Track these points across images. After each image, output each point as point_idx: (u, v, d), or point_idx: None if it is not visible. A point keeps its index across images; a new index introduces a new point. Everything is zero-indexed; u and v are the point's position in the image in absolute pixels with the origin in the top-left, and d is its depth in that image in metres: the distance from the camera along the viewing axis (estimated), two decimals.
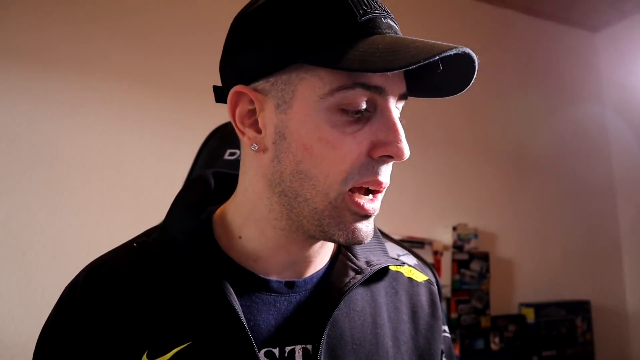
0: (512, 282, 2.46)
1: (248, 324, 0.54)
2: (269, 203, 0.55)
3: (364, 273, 0.60)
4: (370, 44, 0.48)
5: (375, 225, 0.69)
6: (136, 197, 1.72)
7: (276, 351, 0.55)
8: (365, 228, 0.54)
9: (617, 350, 2.63)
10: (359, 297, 0.60)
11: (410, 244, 2.05)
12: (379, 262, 0.62)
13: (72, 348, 0.54)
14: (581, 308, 2.50)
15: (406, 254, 0.72)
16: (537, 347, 2.31)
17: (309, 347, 0.56)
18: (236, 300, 0.53)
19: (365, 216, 0.53)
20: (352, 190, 0.52)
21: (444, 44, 0.47)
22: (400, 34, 0.53)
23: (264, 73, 0.52)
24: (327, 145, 0.50)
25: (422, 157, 2.29)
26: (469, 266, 2.25)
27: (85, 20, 1.75)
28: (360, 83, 0.49)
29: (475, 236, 2.31)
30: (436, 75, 0.53)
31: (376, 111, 0.51)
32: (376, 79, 0.49)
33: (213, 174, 0.67)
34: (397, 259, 0.67)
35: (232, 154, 0.99)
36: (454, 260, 2.22)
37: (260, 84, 0.52)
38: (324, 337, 0.55)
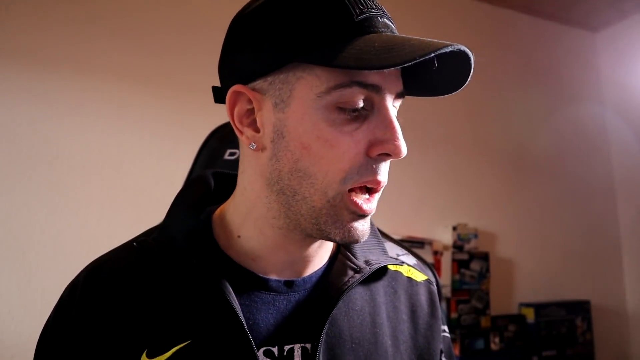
0: (512, 282, 2.46)
1: (247, 322, 0.54)
2: (268, 202, 0.55)
3: (362, 272, 0.60)
4: (367, 42, 0.48)
5: (375, 225, 0.69)
6: (136, 197, 1.72)
7: (275, 350, 0.55)
8: (362, 227, 0.54)
9: (617, 350, 2.63)
10: (358, 296, 0.60)
11: (410, 244, 2.05)
12: (378, 261, 0.62)
13: (72, 347, 0.54)
14: (581, 308, 2.50)
15: (405, 253, 0.72)
16: (537, 347, 2.31)
17: (308, 346, 0.56)
18: (235, 299, 0.54)
19: (363, 216, 0.53)
20: (350, 190, 0.52)
21: (440, 41, 0.47)
22: (397, 33, 0.53)
23: (261, 72, 0.52)
24: (325, 143, 0.50)
25: (422, 157, 2.29)
26: (469, 266, 2.25)
27: (85, 20, 1.75)
28: (357, 81, 0.49)
29: (475, 236, 2.31)
30: (433, 74, 0.54)
31: (373, 109, 0.52)
32: (373, 77, 0.50)
33: (213, 174, 0.68)
34: (396, 259, 0.67)
35: (232, 154, 0.99)
36: (454, 260, 2.22)
37: (258, 84, 0.53)
38: (323, 335, 0.55)
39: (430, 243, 2.17)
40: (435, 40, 0.48)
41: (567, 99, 2.76)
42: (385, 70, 0.49)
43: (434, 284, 0.71)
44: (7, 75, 1.63)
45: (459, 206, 2.37)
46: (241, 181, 0.59)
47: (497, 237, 2.46)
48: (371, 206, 0.53)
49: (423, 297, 0.67)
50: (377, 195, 0.55)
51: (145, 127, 1.79)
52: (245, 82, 0.54)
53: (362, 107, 0.51)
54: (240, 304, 0.54)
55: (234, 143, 0.98)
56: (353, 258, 0.62)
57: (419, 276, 0.69)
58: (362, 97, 0.50)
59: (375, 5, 0.52)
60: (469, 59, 0.50)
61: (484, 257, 2.31)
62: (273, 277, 0.58)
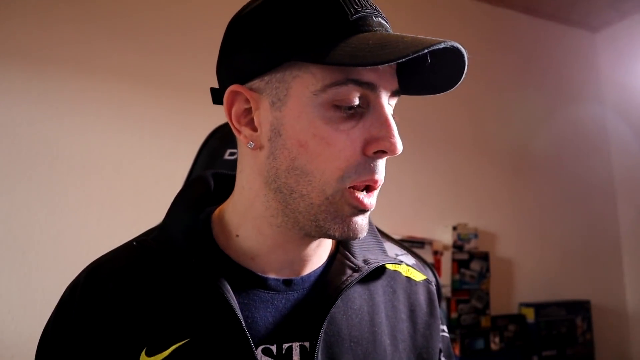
0: (512, 282, 2.46)
1: (246, 321, 0.54)
2: (266, 200, 0.56)
3: (361, 271, 0.60)
4: (361, 40, 0.49)
5: (374, 224, 0.69)
6: (136, 197, 1.73)
7: (274, 348, 0.55)
8: (361, 221, 0.55)
9: (617, 350, 2.63)
10: (356, 295, 0.61)
11: (410, 244, 2.05)
12: (376, 260, 0.63)
13: (73, 347, 0.54)
14: (581, 308, 2.50)
15: (404, 253, 0.72)
16: (537, 347, 2.31)
17: (307, 344, 0.56)
18: (233, 297, 0.54)
19: (363, 211, 0.54)
20: (351, 187, 0.53)
21: (434, 38, 0.48)
22: (392, 32, 0.54)
23: (258, 72, 0.53)
24: (321, 141, 0.51)
25: (422, 157, 2.30)
26: (469, 266, 2.25)
27: (85, 20, 1.75)
28: (353, 79, 0.50)
29: (475, 236, 2.31)
30: (428, 72, 0.55)
31: (369, 107, 0.52)
32: (368, 75, 0.50)
33: (212, 174, 0.68)
34: (394, 258, 0.67)
35: (232, 154, 0.99)
36: (454, 260, 2.22)
37: (255, 83, 0.54)
38: (322, 334, 0.55)
39: (430, 243, 2.17)
40: (429, 38, 0.48)
41: (567, 99, 2.76)
42: (379, 67, 0.50)
43: (433, 283, 0.71)
44: (7, 75, 1.63)
45: (459, 206, 2.37)
46: (239, 180, 0.59)
47: (497, 237, 2.46)
48: (371, 201, 0.54)
49: (422, 297, 0.67)
50: (375, 192, 0.55)
51: (145, 127, 1.79)
52: (242, 82, 0.54)
53: (358, 105, 0.51)
54: (239, 303, 0.55)
55: (234, 143, 0.98)
56: (352, 257, 0.62)
57: (418, 276, 0.69)
58: (358, 95, 0.51)
59: (370, 5, 0.53)
60: (462, 55, 0.51)
61: (484, 257, 2.31)
62: (272, 276, 0.58)
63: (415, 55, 0.46)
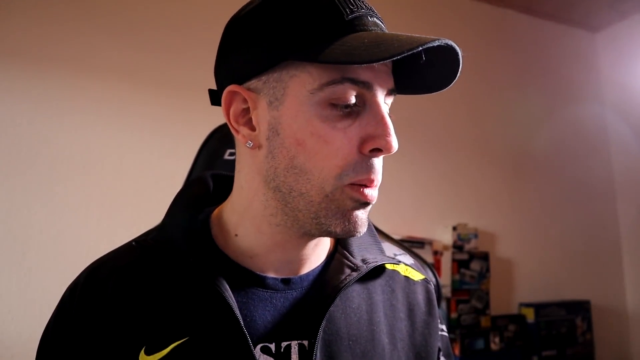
0: (512, 282, 2.46)
1: (244, 319, 0.55)
2: (265, 199, 0.56)
3: (359, 270, 0.60)
4: (357, 39, 0.50)
5: (373, 224, 0.69)
6: (136, 197, 1.73)
7: (272, 346, 0.55)
8: (362, 215, 0.55)
9: (617, 350, 2.63)
10: (355, 294, 0.61)
11: (410, 244, 2.06)
12: (375, 260, 0.63)
13: (73, 347, 0.55)
14: (581, 308, 2.50)
15: (403, 253, 0.73)
16: (537, 347, 2.31)
17: (305, 342, 0.56)
18: (231, 296, 0.54)
19: (365, 204, 0.54)
20: (350, 184, 0.53)
21: (428, 37, 0.48)
22: (387, 32, 0.54)
23: (256, 72, 0.53)
24: (319, 139, 0.51)
25: (422, 157, 2.30)
26: (469, 266, 2.25)
27: (85, 19, 1.75)
28: (349, 78, 0.50)
29: (475, 236, 2.31)
30: (424, 71, 0.55)
31: (365, 106, 0.53)
32: (364, 74, 0.51)
33: (212, 175, 0.69)
34: (393, 258, 0.67)
35: (232, 154, 0.99)
36: (454, 260, 2.22)
37: (253, 83, 0.54)
38: (320, 332, 0.55)
39: (430, 243, 2.17)
40: (424, 36, 0.49)
41: (567, 99, 2.76)
42: (375, 66, 0.51)
43: (432, 283, 0.71)
44: (7, 74, 1.63)
45: (459, 206, 2.37)
46: (238, 180, 0.60)
47: (497, 237, 2.46)
48: (373, 193, 0.54)
49: (420, 296, 0.68)
50: (376, 187, 0.55)
51: (145, 127, 1.79)
52: (240, 82, 0.55)
53: (355, 104, 0.52)
54: (238, 301, 0.55)
55: (234, 143, 0.99)
56: (350, 257, 0.62)
57: (416, 275, 0.70)
58: (354, 94, 0.51)
59: (365, 5, 0.54)
60: (457, 54, 0.51)
61: (484, 257, 2.31)
62: (270, 275, 0.59)
63: (410, 52, 0.47)
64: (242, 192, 0.59)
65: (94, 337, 0.54)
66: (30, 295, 1.55)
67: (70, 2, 1.74)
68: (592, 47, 2.94)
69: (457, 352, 2.11)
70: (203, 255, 0.57)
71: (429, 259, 2.12)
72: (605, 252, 2.73)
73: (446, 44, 0.49)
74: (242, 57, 0.54)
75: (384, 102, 0.54)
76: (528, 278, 2.48)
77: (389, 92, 0.55)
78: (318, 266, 0.62)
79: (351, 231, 0.54)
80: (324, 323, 0.56)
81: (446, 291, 2.17)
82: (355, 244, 0.64)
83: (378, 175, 0.54)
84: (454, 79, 0.55)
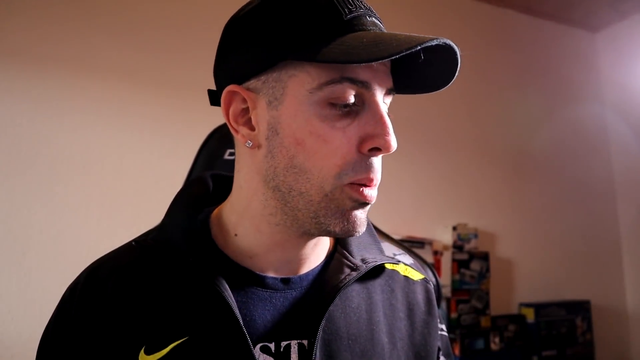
0: (512, 282, 2.46)
1: (244, 319, 0.55)
2: (264, 199, 0.56)
3: (359, 270, 0.60)
4: (355, 38, 0.50)
5: (372, 224, 0.69)
6: (136, 197, 1.73)
7: (272, 346, 0.55)
8: (361, 215, 0.55)
9: (617, 350, 2.63)
10: (354, 294, 0.61)
11: (410, 244, 2.06)
12: (374, 259, 0.63)
13: (73, 346, 0.55)
14: (581, 308, 2.50)
15: (402, 253, 0.73)
16: (537, 347, 2.31)
17: (305, 342, 0.56)
18: (231, 295, 0.54)
19: (364, 204, 0.54)
20: (349, 184, 0.53)
21: (427, 36, 0.49)
22: (385, 31, 0.54)
23: (255, 72, 0.53)
24: (318, 139, 0.52)
25: (422, 157, 2.30)
26: (469, 266, 2.25)
27: (85, 19, 1.75)
28: (348, 77, 0.51)
29: (475, 236, 2.31)
30: (422, 71, 0.55)
31: (364, 105, 0.53)
32: (363, 73, 0.51)
33: (211, 175, 0.69)
34: (392, 258, 0.67)
35: (232, 154, 0.99)
36: (454, 260, 2.22)
37: (252, 83, 0.54)
38: (320, 332, 0.55)
39: (430, 243, 2.17)
40: (422, 35, 0.49)
41: (567, 99, 2.76)
42: (374, 65, 0.51)
43: (431, 282, 0.72)
44: (7, 74, 1.63)
45: (459, 206, 2.37)
46: (237, 180, 0.60)
47: (497, 237, 2.46)
48: (372, 193, 0.54)
49: (420, 296, 0.68)
50: (375, 187, 0.55)
51: (145, 126, 1.79)
52: (239, 82, 0.55)
53: (354, 103, 0.52)
54: (237, 301, 0.55)
55: (234, 143, 0.99)
56: (350, 256, 0.63)
57: (416, 275, 0.70)
58: (353, 93, 0.52)
59: (364, 5, 0.54)
60: (455, 53, 0.51)
61: (484, 257, 2.31)
62: (270, 274, 0.59)
63: (408, 52, 0.47)
64: (241, 191, 0.59)
65: (94, 337, 0.54)
66: (30, 295, 1.55)
67: (70, 2, 1.74)
68: (592, 47, 2.94)
69: (457, 352, 2.11)
70: (203, 255, 0.57)
71: (429, 259, 2.12)
72: (605, 252, 2.73)
73: (444, 43, 0.49)
74: (241, 57, 0.54)
75: (383, 101, 0.54)
76: (528, 278, 2.48)
77: (388, 92, 0.55)
78: (317, 266, 0.62)
79: (350, 231, 0.54)
80: (323, 322, 0.56)
81: (446, 291, 2.17)
82: (354, 243, 0.64)
83: (377, 175, 0.54)
84: (453, 78, 0.55)
